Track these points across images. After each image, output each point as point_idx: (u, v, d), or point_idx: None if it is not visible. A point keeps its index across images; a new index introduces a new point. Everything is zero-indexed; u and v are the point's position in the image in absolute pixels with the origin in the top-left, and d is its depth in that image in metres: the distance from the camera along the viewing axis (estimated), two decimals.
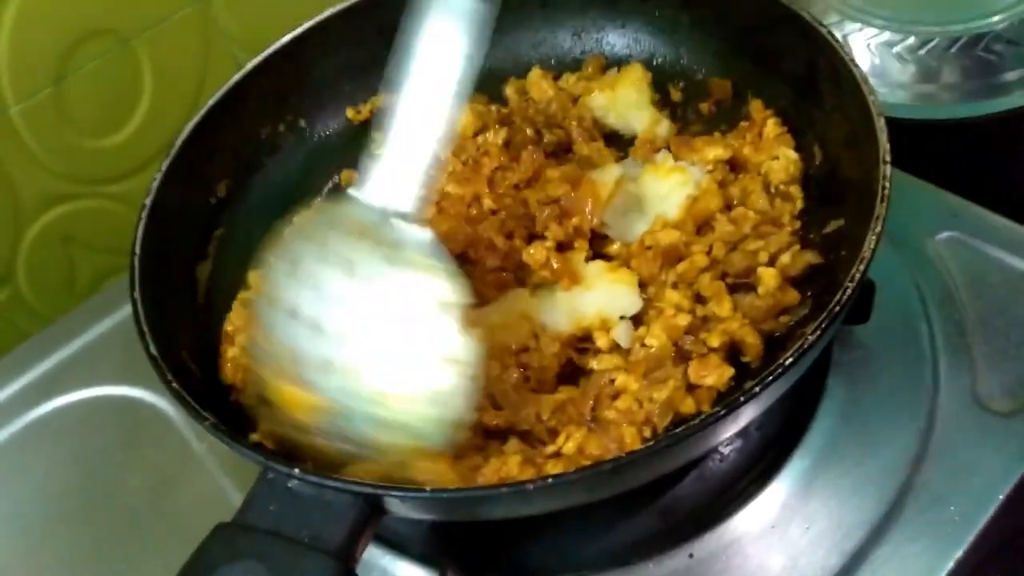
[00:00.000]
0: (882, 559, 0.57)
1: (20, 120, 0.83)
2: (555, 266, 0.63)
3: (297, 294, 0.53)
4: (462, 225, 0.67)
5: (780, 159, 0.67)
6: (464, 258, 0.65)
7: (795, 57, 0.69)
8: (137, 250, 0.61)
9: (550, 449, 0.55)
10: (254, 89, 0.73)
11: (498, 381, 0.58)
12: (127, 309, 0.77)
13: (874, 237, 0.53)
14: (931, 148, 0.82)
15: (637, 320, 0.61)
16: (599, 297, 0.62)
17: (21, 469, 0.72)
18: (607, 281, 0.63)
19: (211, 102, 0.70)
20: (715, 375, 0.56)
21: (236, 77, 0.72)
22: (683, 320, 0.58)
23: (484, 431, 0.57)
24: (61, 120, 0.86)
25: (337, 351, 0.52)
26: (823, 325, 0.51)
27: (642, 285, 0.62)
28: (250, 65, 0.73)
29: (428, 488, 0.51)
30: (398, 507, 0.50)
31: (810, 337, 0.50)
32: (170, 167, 0.66)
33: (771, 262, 0.61)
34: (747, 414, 0.52)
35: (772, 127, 0.69)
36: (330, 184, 0.77)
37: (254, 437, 0.57)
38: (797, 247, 0.62)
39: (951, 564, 0.56)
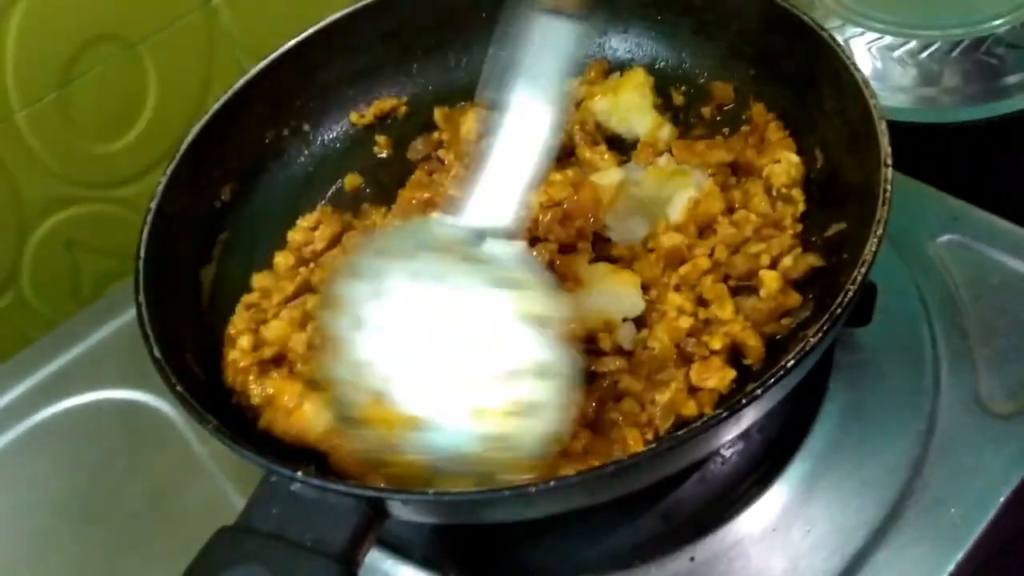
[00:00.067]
0: (883, 561, 0.57)
1: (25, 124, 0.84)
2: (558, 268, 0.63)
3: (384, 312, 0.53)
4: None
5: (782, 162, 0.67)
6: None
7: (797, 61, 0.69)
8: (142, 254, 0.62)
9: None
10: (258, 94, 0.73)
11: None
12: (131, 313, 0.78)
13: (875, 240, 0.54)
14: (932, 151, 0.82)
15: (639, 322, 0.61)
16: (602, 299, 0.62)
17: (24, 473, 0.72)
18: (610, 283, 0.63)
19: (216, 107, 0.71)
20: (717, 378, 0.56)
21: (241, 82, 0.72)
22: (685, 323, 0.58)
23: None
24: (66, 124, 0.86)
25: (429, 367, 0.51)
26: (825, 327, 0.51)
27: (644, 288, 0.62)
28: (254, 70, 0.73)
29: (430, 491, 0.51)
30: (401, 510, 0.50)
31: (812, 339, 0.50)
32: (175, 171, 0.67)
33: (773, 265, 0.61)
34: (749, 416, 0.52)
35: (774, 131, 0.69)
36: (334, 188, 0.77)
37: (253, 402, 0.58)
38: (799, 250, 0.62)
39: (952, 566, 0.56)
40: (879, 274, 0.56)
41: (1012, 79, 0.84)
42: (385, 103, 0.80)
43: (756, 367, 0.58)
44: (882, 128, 0.58)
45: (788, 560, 0.57)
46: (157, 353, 0.56)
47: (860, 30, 0.89)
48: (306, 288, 0.68)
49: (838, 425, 0.63)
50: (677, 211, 0.66)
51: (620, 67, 0.79)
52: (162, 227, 0.64)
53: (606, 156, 0.72)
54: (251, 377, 0.60)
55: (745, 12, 0.72)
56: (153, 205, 0.64)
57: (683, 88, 0.77)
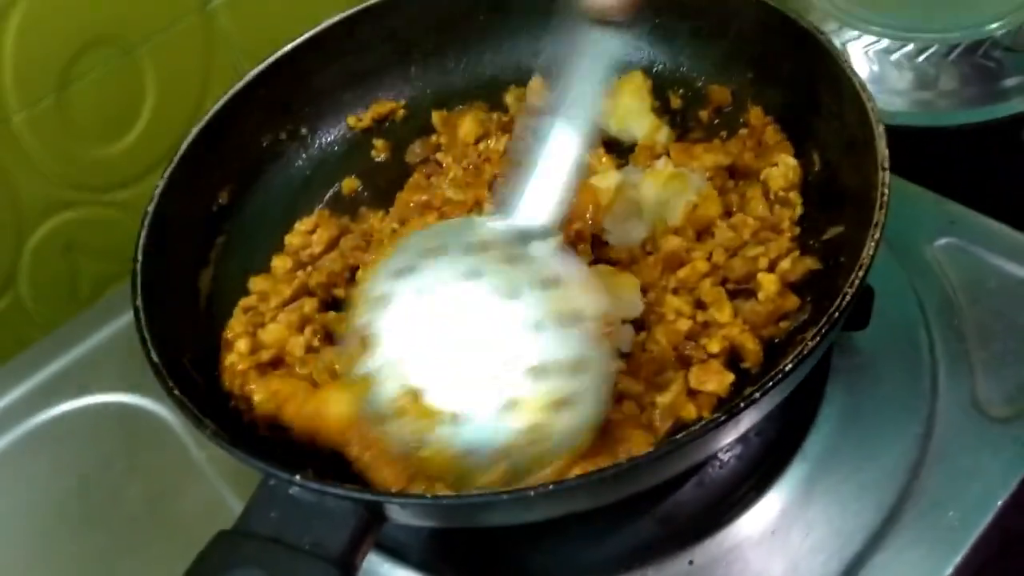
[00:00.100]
0: (881, 564, 0.57)
1: (23, 128, 0.84)
2: None
3: (423, 308, 0.53)
4: None
5: (779, 166, 0.67)
6: None
7: (794, 65, 0.69)
8: (139, 257, 0.62)
9: None
10: (256, 97, 0.73)
11: None
12: (128, 317, 0.78)
13: (873, 243, 0.54)
14: (929, 155, 0.82)
15: (637, 325, 0.62)
16: None
17: (22, 476, 0.72)
18: (609, 285, 0.63)
19: (213, 110, 0.71)
20: (716, 381, 0.56)
21: (239, 85, 0.72)
22: (684, 325, 0.58)
23: None
24: (64, 128, 0.86)
25: (465, 362, 0.52)
26: (823, 331, 0.51)
27: (643, 290, 0.62)
28: (252, 73, 0.73)
29: (429, 495, 0.51)
30: (399, 514, 0.50)
31: (810, 343, 0.50)
32: (172, 175, 0.67)
33: (771, 268, 0.61)
34: (747, 420, 0.52)
35: (771, 134, 0.69)
36: (332, 191, 0.77)
37: (258, 399, 0.58)
38: (796, 253, 0.62)
39: (950, 569, 0.56)
40: (876, 278, 0.56)
41: (1009, 82, 0.84)
42: (383, 106, 0.81)
43: (754, 370, 0.58)
44: (879, 131, 0.59)
45: (787, 563, 0.57)
46: (155, 357, 0.56)
47: (857, 33, 0.89)
48: (304, 291, 0.68)
49: (836, 429, 0.63)
50: (675, 214, 0.66)
51: (618, 70, 0.79)
52: (160, 230, 0.64)
53: (604, 159, 0.72)
54: (252, 377, 0.60)
55: (743, 16, 0.72)
56: (150, 208, 0.64)
57: (681, 91, 0.77)
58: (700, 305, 0.60)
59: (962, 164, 0.84)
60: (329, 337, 0.64)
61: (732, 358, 0.59)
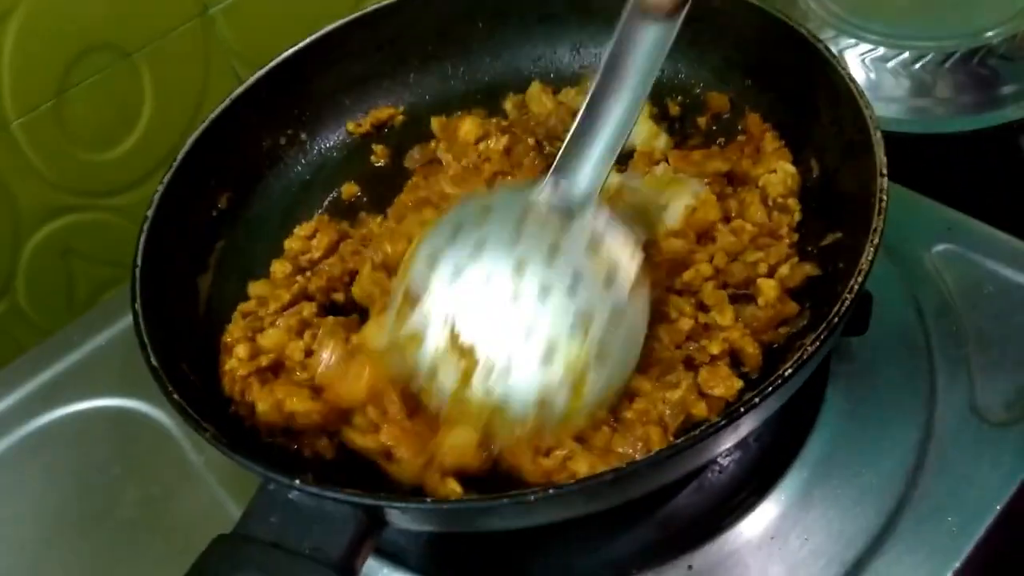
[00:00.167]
0: (881, 570, 0.57)
1: (21, 133, 0.84)
2: None
3: (469, 265, 0.57)
4: None
5: (778, 172, 0.67)
6: None
7: (792, 72, 0.69)
8: (139, 262, 0.62)
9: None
10: (256, 102, 0.73)
11: None
12: (126, 321, 0.78)
13: (872, 249, 0.54)
14: (926, 162, 0.83)
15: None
16: None
17: (18, 481, 0.71)
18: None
19: (213, 115, 0.71)
20: (724, 386, 0.56)
21: (238, 90, 0.72)
22: (685, 324, 0.59)
23: None
24: (61, 133, 0.86)
25: (509, 315, 0.55)
26: (822, 336, 0.51)
27: None
28: (252, 79, 0.73)
29: (428, 499, 0.51)
30: (399, 518, 0.50)
31: (809, 348, 0.50)
32: (172, 180, 0.67)
33: (770, 273, 0.61)
34: (747, 425, 0.52)
35: (770, 141, 0.69)
36: (331, 196, 0.78)
37: (260, 408, 0.58)
38: (795, 259, 0.63)
39: (949, 575, 0.56)
40: (875, 284, 0.56)
41: (1005, 90, 0.84)
42: (382, 112, 0.81)
43: (753, 375, 0.59)
44: (878, 138, 0.59)
45: (786, 568, 0.58)
46: (154, 361, 0.56)
47: (854, 41, 0.89)
48: (303, 296, 0.68)
49: (835, 434, 0.63)
50: (674, 218, 0.66)
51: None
52: (159, 235, 0.64)
53: None
54: (254, 386, 0.60)
55: (741, 24, 0.72)
56: (150, 213, 0.64)
57: (679, 98, 0.77)
58: (702, 308, 0.61)
59: (959, 171, 0.84)
60: None
61: (732, 362, 0.59)
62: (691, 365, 0.58)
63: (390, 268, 0.65)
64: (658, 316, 0.60)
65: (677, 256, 0.63)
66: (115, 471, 0.71)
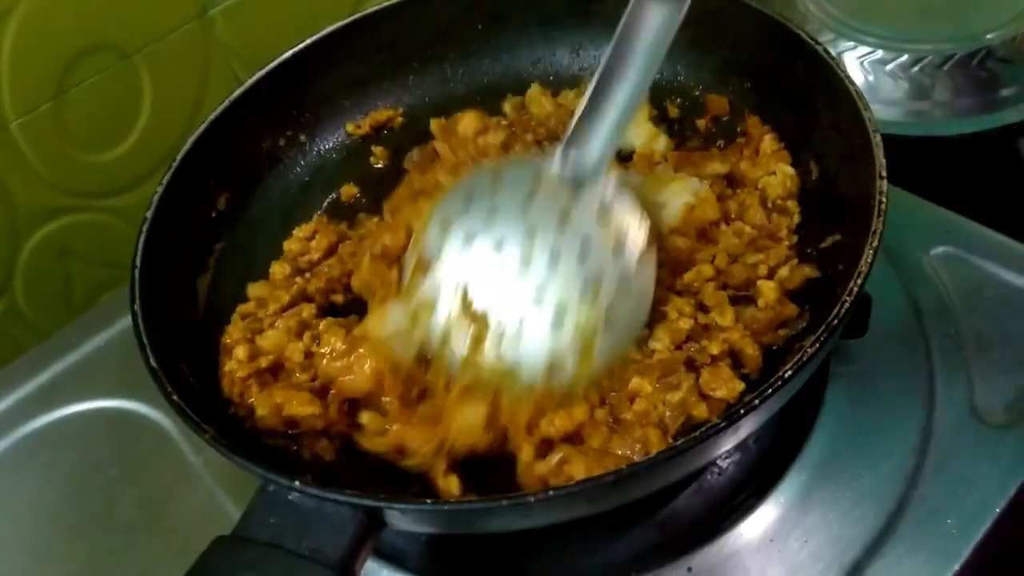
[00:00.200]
0: (880, 572, 0.57)
1: (19, 134, 0.84)
2: None
3: (482, 231, 0.59)
4: None
5: (777, 175, 0.67)
6: None
7: (791, 74, 0.69)
8: (138, 263, 0.61)
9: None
10: (255, 104, 0.73)
11: None
12: (124, 322, 0.78)
13: (871, 251, 0.54)
14: (925, 164, 0.83)
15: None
16: None
17: (17, 482, 0.71)
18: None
19: (213, 116, 0.71)
20: (726, 388, 0.56)
21: (238, 91, 0.72)
22: (685, 324, 0.59)
23: None
24: (60, 134, 0.86)
25: (521, 280, 0.57)
26: (822, 338, 0.51)
27: None
28: (251, 80, 0.73)
29: (428, 501, 0.51)
30: (398, 520, 0.50)
31: (809, 350, 0.50)
32: (171, 180, 0.67)
33: (770, 275, 0.61)
34: (746, 427, 0.52)
35: (769, 143, 0.69)
36: (330, 198, 0.77)
37: (260, 412, 0.58)
38: (795, 261, 0.63)
39: None
40: (873, 286, 0.56)
41: (1003, 93, 0.84)
42: (381, 114, 0.81)
43: (753, 377, 0.59)
44: (877, 141, 0.59)
45: (786, 571, 0.58)
46: (153, 362, 0.56)
47: (852, 44, 0.89)
48: (302, 297, 0.68)
49: (835, 436, 0.63)
50: (673, 216, 0.66)
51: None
52: (158, 236, 0.64)
53: None
54: (253, 389, 0.60)
55: (740, 26, 0.73)
56: (149, 214, 0.64)
57: (678, 100, 0.77)
58: (702, 308, 0.61)
59: (957, 174, 0.84)
60: None
61: (732, 364, 0.59)
62: (692, 367, 0.58)
63: (389, 259, 0.66)
64: (658, 316, 0.60)
65: (679, 256, 0.63)
66: (113, 472, 0.70)
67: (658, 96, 0.77)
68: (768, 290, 0.60)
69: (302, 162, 0.78)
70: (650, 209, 0.67)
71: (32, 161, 0.85)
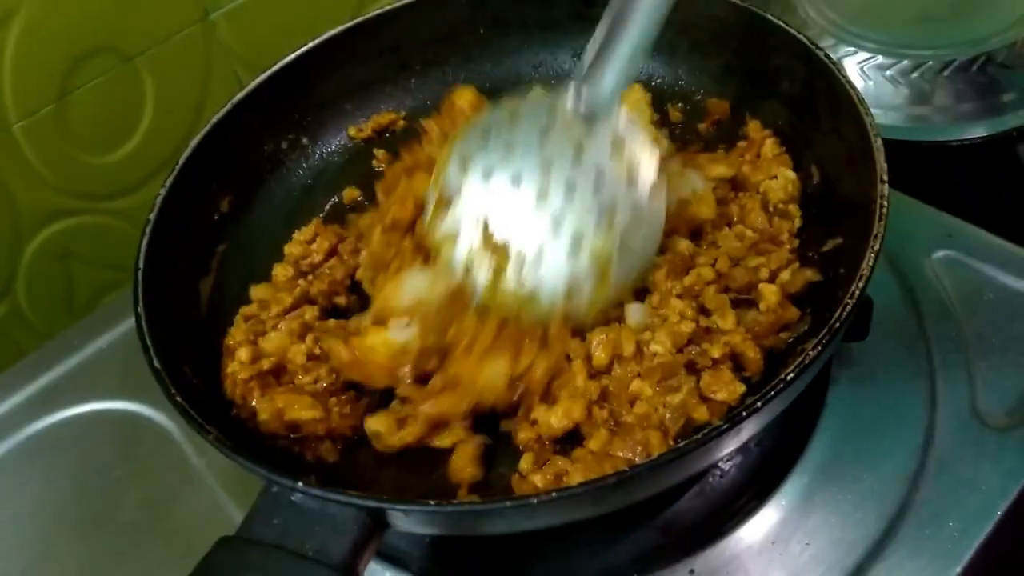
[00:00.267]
0: (882, 575, 0.57)
1: (22, 136, 0.84)
2: None
3: (500, 165, 0.60)
4: None
5: (778, 178, 0.67)
6: None
7: (792, 79, 0.70)
8: (141, 265, 0.62)
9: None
10: (258, 107, 0.74)
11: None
12: (126, 324, 0.78)
13: (873, 255, 0.54)
14: (925, 169, 0.83)
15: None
16: None
17: (19, 484, 0.71)
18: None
19: (215, 119, 0.71)
20: (727, 390, 0.56)
21: (241, 94, 0.73)
22: (687, 327, 0.59)
23: None
24: (63, 137, 0.86)
25: (539, 209, 0.59)
26: (823, 341, 0.51)
27: (646, 292, 0.62)
28: (254, 83, 0.74)
29: (431, 502, 0.51)
30: (401, 521, 0.50)
31: (811, 353, 0.51)
32: (174, 183, 0.67)
33: (771, 278, 0.62)
34: (748, 429, 0.52)
35: (770, 147, 0.70)
36: (332, 201, 0.78)
37: (262, 416, 0.59)
38: (796, 265, 0.63)
39: None
40: (875, 289, 0.56)
41: (1003, 98, 0.85)
42: (383, 117, 0.81)
43: (755, 379, 0.59)
44: (878, 145, 0.59)
45: (787, 573, 0.58)
46: (157, 364, 0.56)
47: (852, 49, 0.90)
48: (305, 299, 0.68)
49: (836, 439, 0.63)
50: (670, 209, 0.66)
51: None
52: (161, 238, 0.64)
53: None
54: (255, 393, 0.60)
55: (741, 31, 0.73)
56: (152, 216, 0.64)
57: (680, 104, 0.78)
58: (703, 311, 0.61)
59: (957, 178, 0.85)
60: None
61: (733, 367, 0.59)
62: (693, 370, 0.58)
63: (401, 229, 0.67)
64: (658, 319, 0.61)
65: (680, 258, 0.63)
66: (116, 474, 0.70)
67: (659, 100, 0.77)
68: (770, 293, 0.60)
69: (304, 165, 0.79)
70: None
71: (35, 163, 0.85)
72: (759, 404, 0.49)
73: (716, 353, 0.58)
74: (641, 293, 0.62)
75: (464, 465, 0.57)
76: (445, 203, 0.61)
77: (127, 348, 0.75)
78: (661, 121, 0.77)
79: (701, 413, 0.56)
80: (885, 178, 0.57)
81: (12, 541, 0.68)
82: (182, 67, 0.91)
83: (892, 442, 0.62)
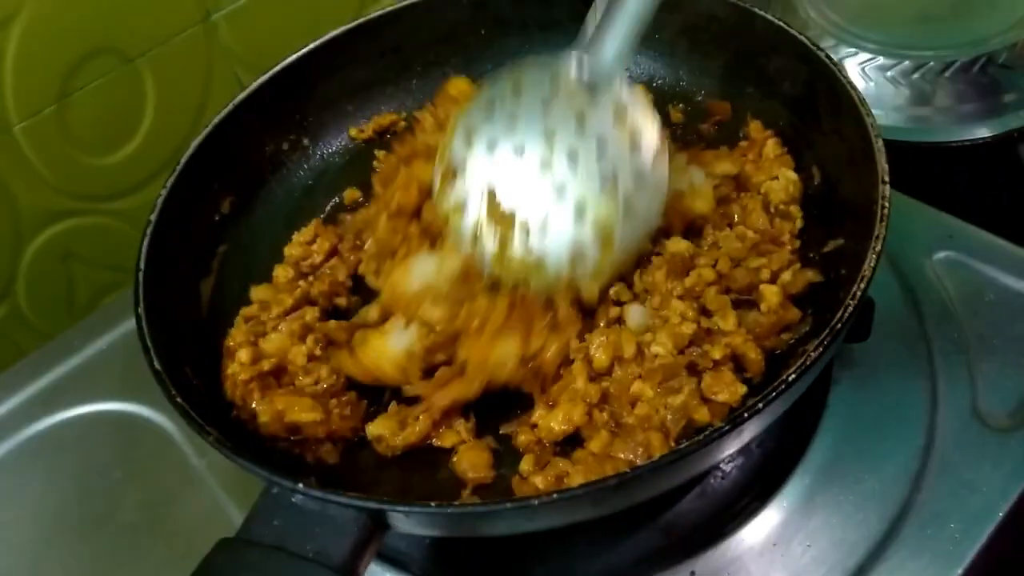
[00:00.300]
0: None
1: (23, 137, 0.84)
2: None
3: (505, 136, 0.61)
4: None
5: (780, 179, 0.67)
6: None
7: (794, 80, 0.70)
8: (142, 265, 0.62)
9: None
10: (259, 107, 0.74)
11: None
12: (126, 325, 0.78)
13: (874, 256, 0.54)
14: (926, 170, 0.83)
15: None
16: None
17: (19, 485, 0.71)
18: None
19: (216, 119, 0.71)
20: (728, 391, 0.56)
21: (242, 95, 0.73)
22: (688, 329, 0.59)
23: None
24: (64, 138, 0.86)
25: (543, 177, 0.59)
26: (825, 342, 0.51)
27: (646, 293, 0.62)
28: (255, 84, 0.74)
29: (432, 503, 0.51)
30: (402, 522, 0.50)
31: (812, 354, 0.51)
32: (175, 184, 0.67)
33: (773, 279, 0.62)
34: (750, 430, 0.52)
35: (772, 147, 0.70)
36: (333, 202, 0.78)
37: (262, 419, 0.58)
38: (798, 266, 0.63)
39: None
40: (876, 290, 0.56)
41: (1004, 99, 0.85)
42: (384, 118, 0.81)
43: (756, 381, 0.59)
44: (879, 146, 0.59)
45: (789, 575, 0.58)
46: (157, 365, 0.56)
47: (853, 50, 0.90)
48: (305, 300, 0.68)
49: (837, 440, 0.63)
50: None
51: None
52: (162, 239, 0.64)
53: None
54: (255, 395, 0.60)
55: (742, 32, 0.73)
56: (153, 217, 0.64)
57: (681, 105, 0.78)
58: (704, 312, 0.61)
59: (958, 179, 0.85)
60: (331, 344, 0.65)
61: (734, 368, 0.59)
62: (694, 371, 0.58)
63: (406, 215, 0.67)
64: (659, 321, 0.60)
65: (680, 258, 0.63)
66: (116, 475, 0.70)
67: (661, 101, 0.77)
68: (771, 294, 0.60)
69: (305, 166, 0.79)
70: None
71: (36, 164, 0.85)
72: (760, 405, 0.49)
73: (717, 354, 0.58)
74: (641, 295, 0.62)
75: (475, 464, 0.57)
76: (452, 175, 0.62)
77: (127, 349, 0.75)
78: (663, 122, 0.76)
79: (702, 414, 0.56)
80: (886, 179, 0.57)
81: (12, 542, 0.68)
82: (183, 68, 0.91)
83: (893, 443, 0.62)
